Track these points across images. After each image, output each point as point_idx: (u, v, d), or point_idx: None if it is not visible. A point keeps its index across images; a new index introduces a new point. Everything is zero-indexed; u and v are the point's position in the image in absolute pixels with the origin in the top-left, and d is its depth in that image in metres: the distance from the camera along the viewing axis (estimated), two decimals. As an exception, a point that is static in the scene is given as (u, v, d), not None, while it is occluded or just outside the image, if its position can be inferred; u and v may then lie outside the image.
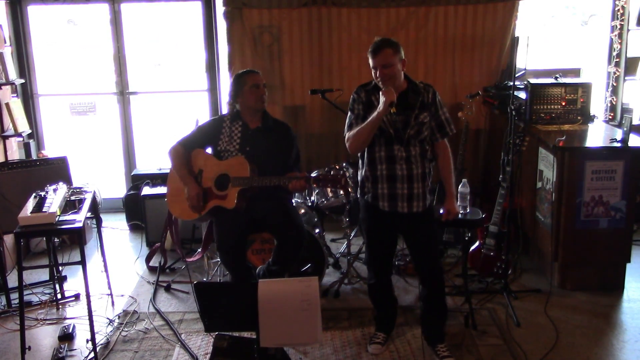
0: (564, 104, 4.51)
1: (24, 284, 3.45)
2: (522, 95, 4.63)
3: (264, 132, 3.61)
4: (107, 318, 3.84)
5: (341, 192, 4.09)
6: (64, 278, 4.24)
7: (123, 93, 5.77)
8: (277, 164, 3.54)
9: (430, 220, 3.26)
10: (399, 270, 4.33)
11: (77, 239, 3.74)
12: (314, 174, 4.21)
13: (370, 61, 3.06)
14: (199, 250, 4.20)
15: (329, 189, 4.19)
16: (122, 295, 4.20)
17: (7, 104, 4.81)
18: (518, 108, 4.37)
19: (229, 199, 3.49)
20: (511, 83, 4.20)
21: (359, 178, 3.32)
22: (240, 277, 3.59)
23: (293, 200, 4.04)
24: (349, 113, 3.23)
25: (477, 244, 4.30)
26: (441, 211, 3.33)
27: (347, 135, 3.21)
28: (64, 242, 5.03)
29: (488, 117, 5.32)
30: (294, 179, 3.35)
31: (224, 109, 3.69)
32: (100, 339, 3.56)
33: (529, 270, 4.41)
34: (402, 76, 3.11)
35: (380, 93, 3.04)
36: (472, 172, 5.29)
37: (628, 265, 4.12)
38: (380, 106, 3.01)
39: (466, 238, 3.88)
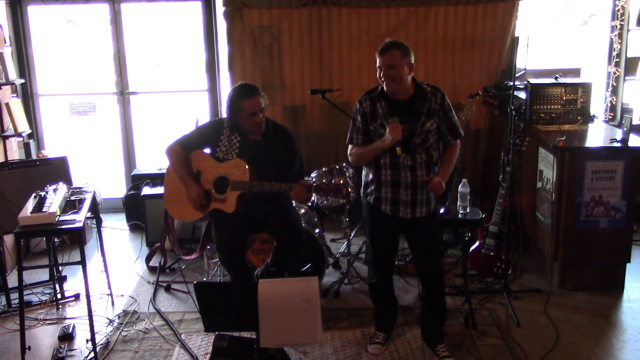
0: (564, 104, 4.51)
1: (24, 284, 3.45)
2: (522, 95, 4.63)
3: (264, 144, 3.54)
4: (107, 318, 3.84)
5: (342, 201, 4.08)
6: (64, 278, 4.24)
7: (123, 93, 5.77)
8: (277, 174, 3.47)
9: (432, 222, 3.26)
10: (399, 270, 4.33)
11: (77, 239, 3.74)
12: (313, 174, 4.23)
13: (377, 60, 3.03)
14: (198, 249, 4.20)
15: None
16: (122, 295, 4.20)
17: (7, 104, 4.80)
18: (518, 108, 4.37)
19: (229, 202, 3.48)
20: (511, 83, 4.20)
21: (362, 179, 3.32)
22: (239, 278, 3.59)
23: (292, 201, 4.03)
24: (351, 122, 3.22)
25: (477, 244, 4.30)
26: (442, 211, 3.33)
27: (349, 149, 3.22)
28: (64, 242, 5.03)
29: (488, 117, 5.32)
30: (296, 186, 3.29)
31: (224, 110, 3.64)
32: (100, 339, 3.56)
33: (529, 270, 4.42)
34: (408, 80, 3.06)
35: (387, 127, 3.01)
36: (472, 172, 5.29)
37: (628, 265, 4.12)
38: (386, 139, 3.00)
39: (466, 238, 3.88)
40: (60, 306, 4.04)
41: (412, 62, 3.05)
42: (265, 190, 3.39)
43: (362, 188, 3.31)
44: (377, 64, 3.04)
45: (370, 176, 3.21)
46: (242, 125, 3.51)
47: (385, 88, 3.07)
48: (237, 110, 3.44)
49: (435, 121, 3.09)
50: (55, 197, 3.51)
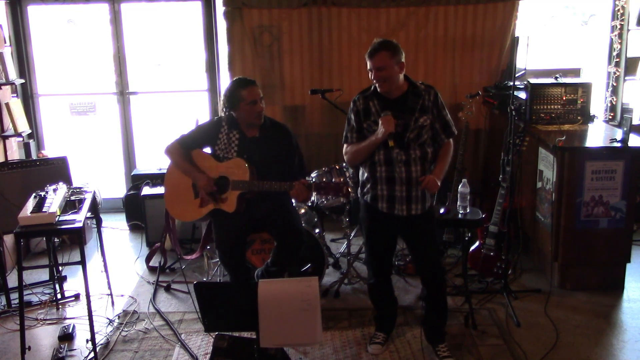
0: (564, 104, 4.51)
1: (24, 284, 3.45)
2: (522, 95, 4.63)
3: (262, 140, 3.54)
4: (107, 318, 3.84)
5: (342, 200, 4.09)
6: (64, 278, 4.24)
7: (123, 93, 5.77)
8: (276, 171, 3.48)
9: (430, 221, 3.25)
10: (399, 270, 4.33)
11: (77, 239, 3.74)
12: (313, 174, 4.23)
13: (367, 63, 3.05)
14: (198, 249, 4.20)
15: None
16: (122, 295, 4.20)
17: (7, 104, 4.80)
18: (518, 108, 4.37)
19: (229, 202, 3.48)
20: (511, 83, 4.20)
21: (359, 178, 3.32)
22: (239, 277, 3.59)
23: (293, 200, 4.03)
24: (346, 123, 3.23)
25: (477, 244, 4.30)
26: (442, 211, 3.32)
27: (345, 148, 3.23)
28: (64, 242, 5.03)
29: (488, 117, 5.32)
30: (297, 185, 3.30)
31: (222, 105, 3.64)
32: (100, 339, 3.56)
33: (529, 270, 4.41)
34: (400, 79, 3.07)
35: (380, 120, 3.03)
36: (472, 172, 5.30)
37: (628, 265, 4.12)
38: (379, 133, 3.02)
39: (466, 238, 3.88)
40: (60, 306, 4.04)
41: (403, 60, 3.04)
42: (266, 190, 3.39)
43: (359, 188, 3.32)
44: (368, 67, 3.05)
45: (366, 174, 3.22)
46: (240, 119, 3.52)
47: (378, 89, 3.08)
48: (237, 100, 3.44)
49: (429, 117, 3.09)
50: (55, 197, 3.51)
